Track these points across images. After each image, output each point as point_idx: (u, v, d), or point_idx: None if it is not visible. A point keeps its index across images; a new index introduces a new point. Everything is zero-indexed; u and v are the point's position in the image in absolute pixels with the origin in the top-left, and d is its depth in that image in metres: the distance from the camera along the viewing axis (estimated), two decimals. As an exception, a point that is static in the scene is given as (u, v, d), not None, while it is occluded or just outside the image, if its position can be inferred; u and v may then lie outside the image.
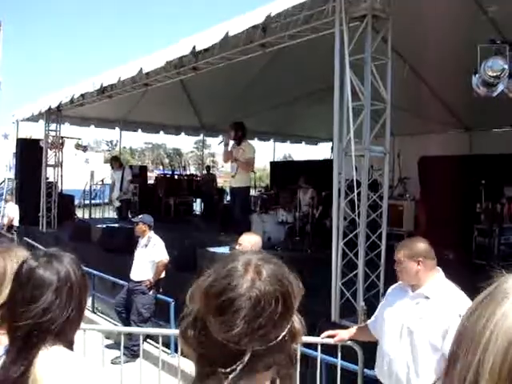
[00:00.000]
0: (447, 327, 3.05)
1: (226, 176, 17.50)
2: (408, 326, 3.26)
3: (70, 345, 1.67)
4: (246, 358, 0.99)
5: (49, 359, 1.55)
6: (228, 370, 1.00)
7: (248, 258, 1.08)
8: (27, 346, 1.55)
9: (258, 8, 6.30)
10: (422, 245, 3.39)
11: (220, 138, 18.23)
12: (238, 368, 0.99)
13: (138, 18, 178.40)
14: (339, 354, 4.10)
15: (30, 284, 1.61)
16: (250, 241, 4.49)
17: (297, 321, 1.09)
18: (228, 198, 15.67)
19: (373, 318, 3.80)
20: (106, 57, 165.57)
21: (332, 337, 4.00)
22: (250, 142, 9.98)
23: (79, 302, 1.70)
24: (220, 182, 19.16)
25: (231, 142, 9.62)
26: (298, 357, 4.09)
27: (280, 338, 1.02)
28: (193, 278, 1.11)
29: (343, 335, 3.98)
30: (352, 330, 4.05)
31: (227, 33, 6.51)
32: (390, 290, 3.74)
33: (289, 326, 1.05)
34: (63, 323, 1.61)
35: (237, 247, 4.47)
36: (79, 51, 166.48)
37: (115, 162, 14.28)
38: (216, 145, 55.81)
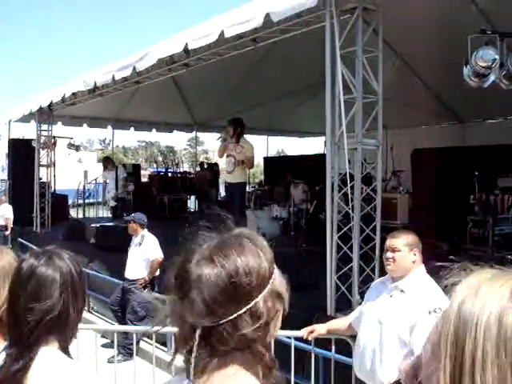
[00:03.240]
0: (415, 322, 3.05)
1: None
2: (379, 318, 3.29)
3: (66, 345, 1.66)
4: (197, 335, 1.05)
5: (43, 360, 1.54)
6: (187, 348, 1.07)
7: (211, 242, 1.14)
8: (30, 344, 1.54)
9: (253, 3, 6.25)
10: (417, 237, 3.41)
11: (214, 134, 18.25)
12: (194, 343, 1.05)
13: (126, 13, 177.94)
14: (333, 348, 4.09)
15: (32, 282, 1.60)
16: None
17: (267, 301, 1.10)
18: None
19: (356, 312, 3.80)
20: (90, 51, 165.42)
21: (311, 332, 3.91)
22: (247, 139, 9.94)
23: (79, 299, 1.69)
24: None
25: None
26: (292, 351, 4.11)
27: (232, 317, 1.05)
28: None
29: (320, 330, 3.91)
30: (331, 324, 3.99)
31: (223, 33, 6.48)
32: (373, 284, 3.78)
33: (247, 307, 1.07)
34: (63, 320, 1.61)
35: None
36: (65, 48, 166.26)
37: (108, 162, 14.17)
38: (209, 141, 55.99)
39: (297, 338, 4.13)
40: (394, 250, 3.32)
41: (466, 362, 0.74)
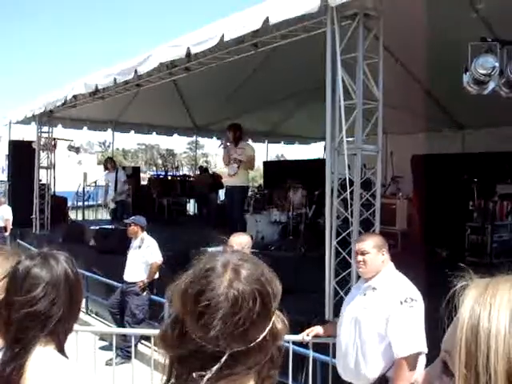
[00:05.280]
0: (389, 314, 3.18)
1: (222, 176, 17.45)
2: (355, 316, 3.39)
3: (62, 345, 1.67)
4: (223, 360, 0.98)
5: (39, 361, 1.55)
6: (204, 372, 0.98)
7: (227, 258, 1.08)
8: (25, 344, 1.55)
9: (253, 8, 6.27)
10: (383, 238, 3.61)
11: (214, 138, 18.28)
12: (214, 369, 0.98)
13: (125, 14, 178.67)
14: (331, 352, 4.10)
15: (26, 282, 1.61)
16: (240, 242, 4.48)
17: (278, 320, 1.08)
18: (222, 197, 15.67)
19: None
20: (92, 54, 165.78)
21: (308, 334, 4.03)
22: (247, 142, 10.03)
23: (75, 300, 1.70)
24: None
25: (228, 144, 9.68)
26: (290, 355, 4.11)
27: (260, 338, 1.01)
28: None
29: (318, 330, 4.04)
30: (328, 326, 4.09)
31: (222, 36, 6.50)
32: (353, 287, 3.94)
33: (269, 326, 1.04)
34: (59, 321, 1.61)
35: (227, 249, 4.43)
36: (67, 50, 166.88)
37: (110, 163, 14.18)
38: (209, 145, 56.18)
39: (295, 343, 4.15)
40: (363, 253, 3.46)
41: (480, 370, 0.75)
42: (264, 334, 1.02)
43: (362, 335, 3.29)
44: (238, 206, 9.83)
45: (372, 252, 3.42)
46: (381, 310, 3.21)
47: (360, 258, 3.46)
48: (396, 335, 3.12)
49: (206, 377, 0.98)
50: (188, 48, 7.12)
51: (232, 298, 0.99)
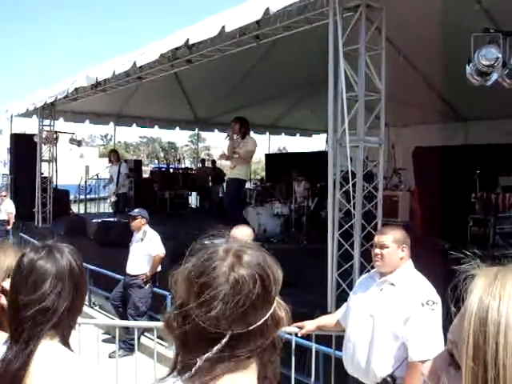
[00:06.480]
0: (408, 315, 3.06)
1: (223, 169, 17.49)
2: (370, 311, 3.27)
3: (67, 338, 1.66)
4: (224, 341, 1.01)
5: (44, 354, 1.54)
6: (206, 354, 1.02)
7: (229, 244, 1.12)
8: (30, 338, 1.55)
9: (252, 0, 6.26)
10: (405, 233, 3.42)
11: (216, 132, 18.28)
12: (215, 349, 1.01)
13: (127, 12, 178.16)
14: (334, 344, 4.09)
15: (31, 275, 1.61)
16: (243, 234, 4.46)
17: (281, 308, 1.11)
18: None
19: (342, 309, 3.79)
20: (94, 53, 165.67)
21: (300, 328, 3.89)
22: (251, 136, 10.00)
23: (79, 292, 1.70)
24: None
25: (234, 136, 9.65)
26: (293, 347, 4.12)
27: (261, 322, 1.04)
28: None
29: (309, 327, 3.90)
30: (320, 321, 3.96)
31: (223, 27, 6.48)
32: (359, 279, 3.78)
33: (271, 312, 1.06)
34: (63, 314, 1.61)
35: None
36: (68, 49, 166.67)
37: (114, 154, 14.23)
38: (211, 138, 56.29)
39: (297, 334, 4.14)
40: (382, 247, 3.31)
41: (488, 364, 0.73)
42: (265, 318, 1.05)
43: (376, 332, 3.19)
44: (231, 198, 9.82)
45: (391, 247, 3.28)
46: (399, 308, 3.10)
47: (378, 251, 3.32)
48: (415, 338, 3.02)
49: (206, 355, 1.01)
50: (187, 39, 7.10)
51: (232, 280, 1.03)
